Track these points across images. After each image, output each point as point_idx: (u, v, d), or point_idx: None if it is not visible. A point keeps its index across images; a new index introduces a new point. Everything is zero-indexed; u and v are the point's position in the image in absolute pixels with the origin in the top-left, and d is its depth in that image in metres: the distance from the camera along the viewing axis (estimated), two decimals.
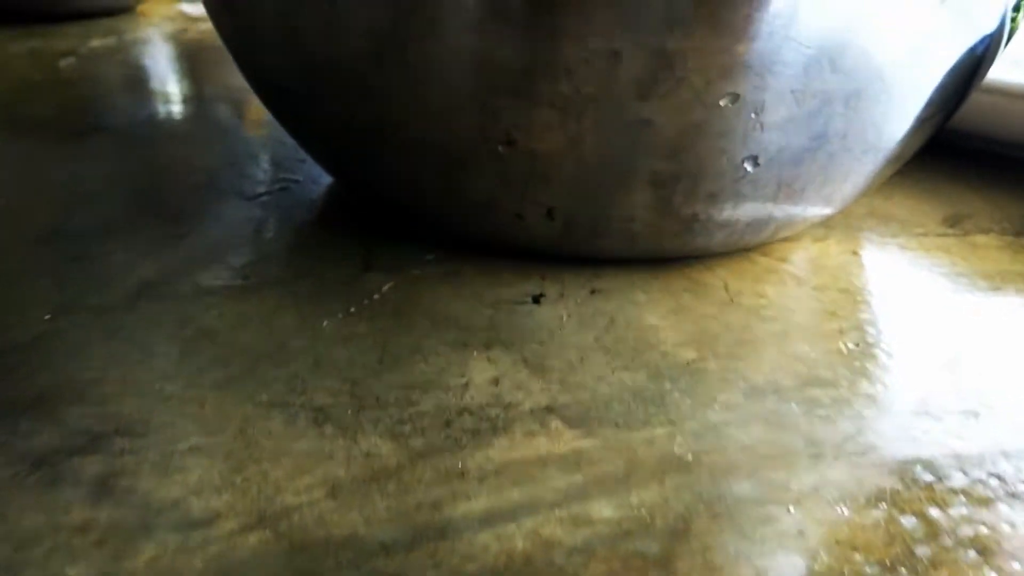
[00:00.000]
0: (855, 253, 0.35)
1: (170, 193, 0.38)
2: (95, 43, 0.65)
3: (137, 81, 0.58)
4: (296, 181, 0.39)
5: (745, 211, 0.29)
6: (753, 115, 0.25)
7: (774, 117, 0.25)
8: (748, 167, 0.26)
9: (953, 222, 0.38)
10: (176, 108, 0.52)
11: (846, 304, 0.30)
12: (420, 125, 0.27)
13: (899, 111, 0.27)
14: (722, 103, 0.24)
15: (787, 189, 0.28)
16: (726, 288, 0.31)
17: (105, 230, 0.34)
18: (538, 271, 0.31)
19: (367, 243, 0.33)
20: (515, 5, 0.23)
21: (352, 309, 0.28)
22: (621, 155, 0.26)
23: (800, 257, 0.34)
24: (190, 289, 0.29)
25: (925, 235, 0.37)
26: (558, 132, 0.25)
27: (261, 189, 0.38)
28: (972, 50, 0.28)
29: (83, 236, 0.33)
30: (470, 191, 0.29)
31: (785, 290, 0.31)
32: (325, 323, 0.27)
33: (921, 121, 0.29)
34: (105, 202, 0.37)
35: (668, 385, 0.25)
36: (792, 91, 0.24)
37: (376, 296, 0.29)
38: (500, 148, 0.26)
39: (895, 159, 0.30)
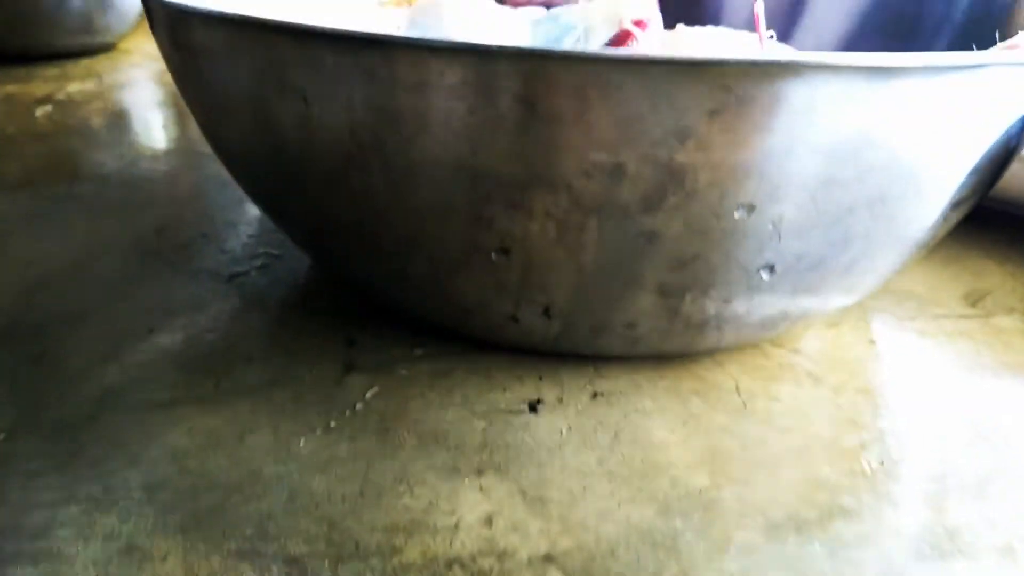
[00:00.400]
0: (871, 342, 0.33)
1: (142, 274, 0.35)
2: (74, 88, 0.63)
3: (116, 132, 0.56)
4: (276, 256, 0.37)
5: (758, 312, 0.27)
6: (771, 225, 0.23)
7: (793, 226, 0.23)
8: (764, 275, 0.24)
9: (974, 299, 0.36)
10: (156, 165, 0.49)
11: (866, 408, 0.28)
12: (404, 227, 0.25)
13: (928, 205, 0.25)
14: (737, 215, 0.22)
15: (805, 289, 0.26)
16: (737, 389, 0.29)
17: (70, 322, 0.31)
18: (535, 369, 0.29)
19: (350, 333, 0.31)
20: (508, 117, 0.20)
21: (332, 424, 0.26)
22: (625, 266, 0.24)
23: (814, 347, 0.32)
24: (157, 398, 0.27)
25: (945, 316, 0.35)
26: (556, 243, 0.23)
27: (239, 268, 0.36)
28: (1008, 132, 0.26)
29: (45, 329, 0.31)
30: (460, 293, 0.26)
31: (800, 391, 0.29)
32: (302, 443, 0.25)
33: (952, 208, 0.27)
34: (72, 285, 0.34)
35: (679, 523, 0.23)
36: (813, 200, 0.22)
37: (359, 405, 0.27)
38: (493, 256, 0.24)
39: (923, 247, 0.28)
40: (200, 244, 0.38)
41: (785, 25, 0.42)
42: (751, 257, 0.24)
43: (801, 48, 0.41)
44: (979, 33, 0.36)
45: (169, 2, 0.23)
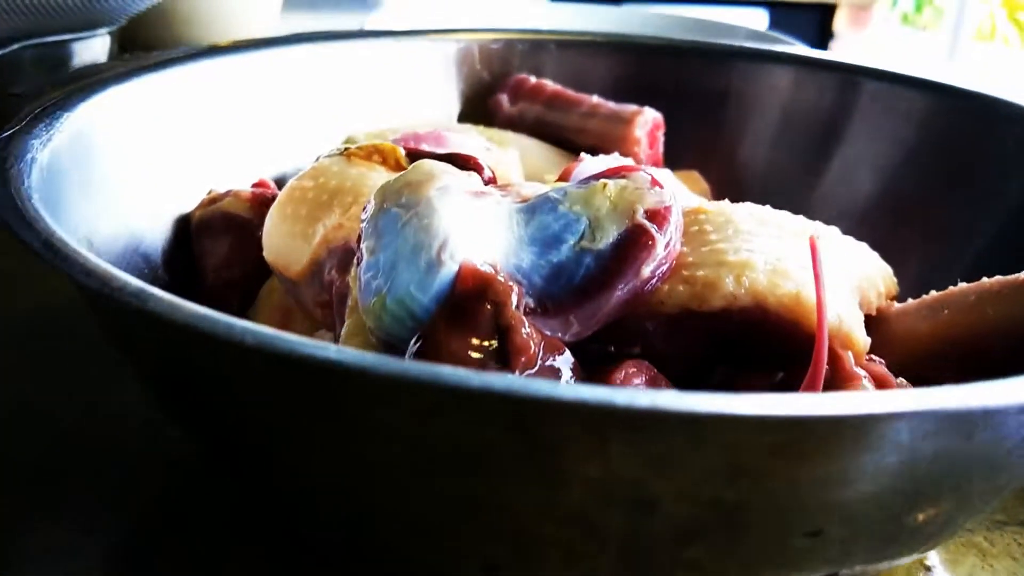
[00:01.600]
0: (927, 568, 0.28)
1: (62, 468, 0.29)
2: None
3: None
4: None
5: None
6: (839, 545, 0.18)
7: (867, 543, 0.18)
8: None
9: None
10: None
11: None
12: (358, 517, 0.20)
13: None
14: (798, 543, 0.17)
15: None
16: None
17: None
18: None
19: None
20: (495, 443, 0.15)
21: None
22: None
23: None
24: None
25: (1005, 524, 0.30)
26: (564, 567, 0.18)
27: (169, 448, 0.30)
28: None
29: None
30: None
31: None
32: None
33: None
34: None
35: None
36: (894, 518, 0.17)
37: None
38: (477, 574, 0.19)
39: None
40: (131, 417, 0.32)
41: (815, 157, 0.37)
42: (813, 570, 0.18)
43: (832, 189, 0.36)
44: None
45: (84, 265, 0.17)
